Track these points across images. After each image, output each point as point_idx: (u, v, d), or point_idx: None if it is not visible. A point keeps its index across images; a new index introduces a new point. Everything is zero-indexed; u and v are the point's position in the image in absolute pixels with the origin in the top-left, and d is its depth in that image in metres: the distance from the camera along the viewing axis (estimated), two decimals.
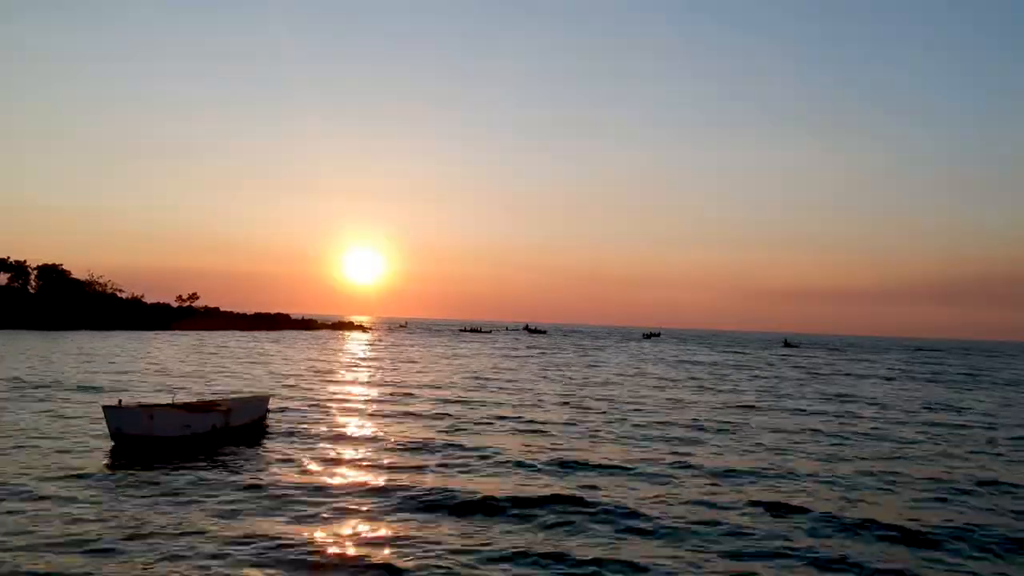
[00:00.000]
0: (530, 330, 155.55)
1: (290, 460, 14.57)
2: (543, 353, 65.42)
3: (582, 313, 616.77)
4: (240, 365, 38.78)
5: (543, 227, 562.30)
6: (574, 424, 20.60)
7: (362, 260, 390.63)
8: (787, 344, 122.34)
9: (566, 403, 25.88)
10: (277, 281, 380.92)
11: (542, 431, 19.13)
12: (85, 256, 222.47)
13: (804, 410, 26.48)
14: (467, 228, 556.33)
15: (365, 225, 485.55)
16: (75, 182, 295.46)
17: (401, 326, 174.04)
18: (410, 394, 27.10)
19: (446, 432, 18.36)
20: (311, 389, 27.86)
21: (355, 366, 42.16)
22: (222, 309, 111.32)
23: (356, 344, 73.58)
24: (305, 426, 18.58)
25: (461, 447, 16.44)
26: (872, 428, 22.06)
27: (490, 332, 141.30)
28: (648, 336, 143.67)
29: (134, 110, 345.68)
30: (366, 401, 24.65)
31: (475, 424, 19.91)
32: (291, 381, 30.67)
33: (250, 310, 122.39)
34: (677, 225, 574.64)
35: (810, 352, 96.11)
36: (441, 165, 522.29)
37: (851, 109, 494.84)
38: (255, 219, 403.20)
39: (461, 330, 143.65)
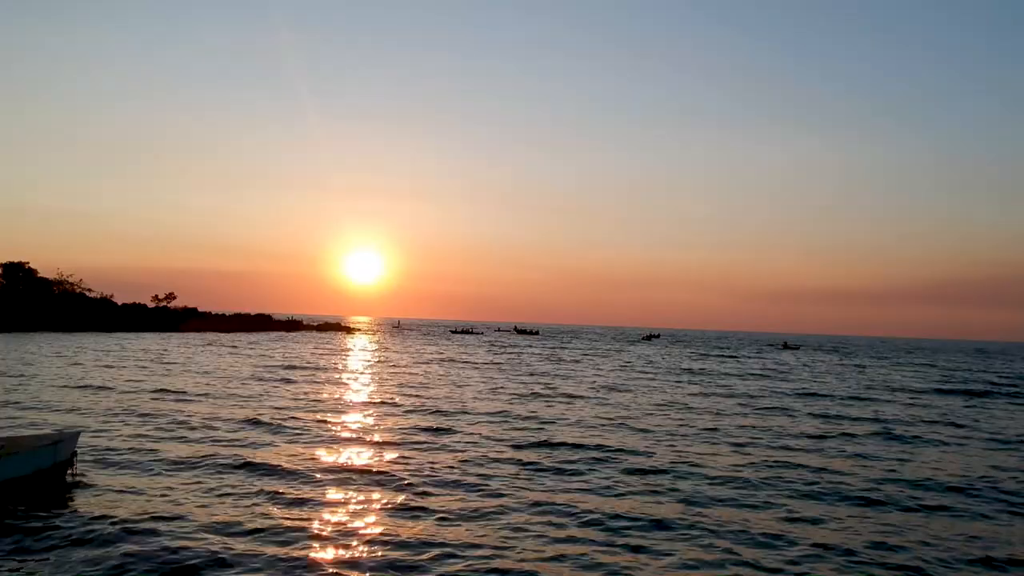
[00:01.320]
0: (519, 331, 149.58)
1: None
2: (519, 355, 59.51)
3: (582, 314, 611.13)
4: (121, 379, 32.39)
5: (543, 227, 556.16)
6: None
7: (363, 260, 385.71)
8: (787, 347, 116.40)
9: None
10: (277, 281, 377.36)
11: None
12: (87, 257, 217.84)
13: None
14: (467, 228, 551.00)
15: (366, 225, 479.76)
16: (74, 183, 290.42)
17: (394, 327, 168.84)
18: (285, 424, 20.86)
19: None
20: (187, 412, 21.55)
21: (279, 378, 35.72)
22: (200, 309, 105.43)
23: (323, 348, 67.35)
24: (126, 473, 12.44)
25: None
26: None
27: (481, 333, 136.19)
28: (647, 338, 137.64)
29: (134, 110, 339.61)
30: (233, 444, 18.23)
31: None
32: (164, 400, 24.15)
33: (248, 311, 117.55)
34: (677, 225, 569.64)
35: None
36: (441, 165, 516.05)
37: (851, 109, 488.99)
38: (255, 219, 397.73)
39: (452, 331, 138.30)
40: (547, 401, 27.61)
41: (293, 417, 20.86)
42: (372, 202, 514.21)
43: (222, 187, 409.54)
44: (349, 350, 63.69)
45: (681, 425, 21.78)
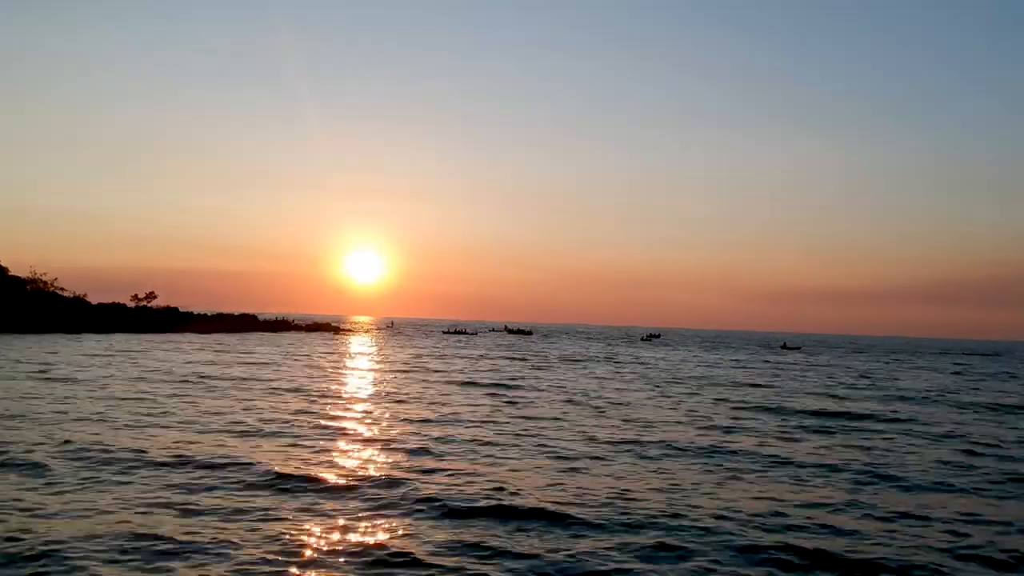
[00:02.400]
0: (510, 331, 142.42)
1: None
2: (498, 359, 53.75)
3: (582, 314, 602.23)
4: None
5: (543, 227, 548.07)
6: None
7: (364, 260, 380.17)
8: (785, 347, 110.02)
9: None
10: (277, 281, 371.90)
11: None
12: (87, 257, 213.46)
13: None
14: (467, 228, 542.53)
15: (366, 225, 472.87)
16: (74, 183, 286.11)
17: (388, 326, 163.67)
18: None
19: None
20: None
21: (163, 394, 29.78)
22: (181, 309, 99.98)
23: (279, 349, 61.60)
24: None
25: None
26: None
27: (475, 333, 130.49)
28: (648, 338, 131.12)
29: (134, 110, 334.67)
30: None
31: None
32: None
33: (232, 311, 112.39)
34: (677, 225, 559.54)
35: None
36: (441, 165, 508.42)
37: (851, 109, 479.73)
38: (255, 219, 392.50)
39: (444, 331, 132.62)
40: (491, 431, 21.61)
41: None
42: (372, 202, 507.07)
43: (222, 187, 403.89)
44: (304, 354, 57.94)
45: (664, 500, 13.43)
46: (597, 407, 25.71)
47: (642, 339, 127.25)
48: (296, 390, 28.34)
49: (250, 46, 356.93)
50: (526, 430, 19.77)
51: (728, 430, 21.07)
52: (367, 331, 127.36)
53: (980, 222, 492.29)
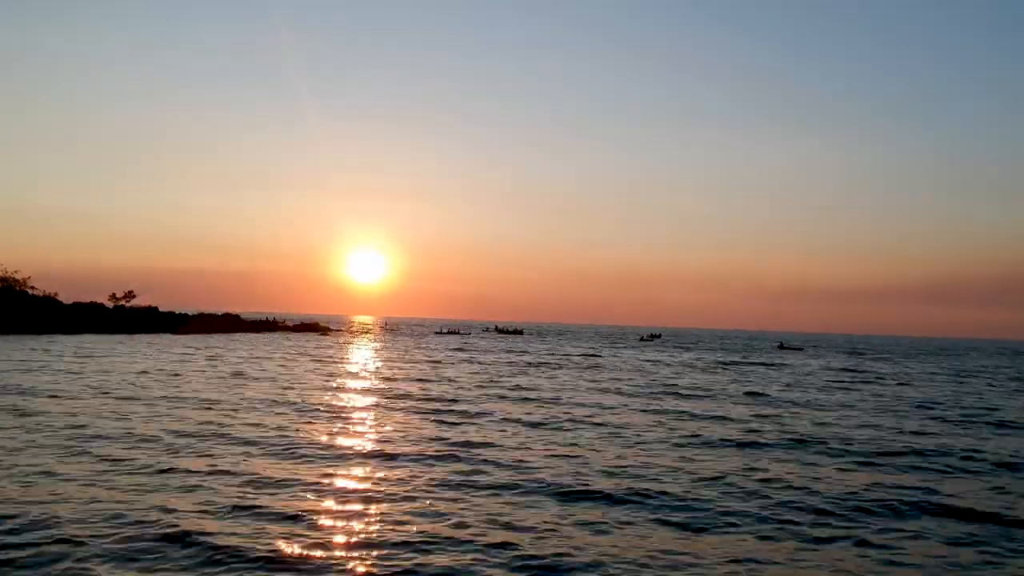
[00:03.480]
0: (500, 331, 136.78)
1: None
2: (480, 363, 48.46)
3: (583, 313, 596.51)
4: None
5: (543, 227, 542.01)
6: None
7: (365, 260, 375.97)
8: (783, 347, 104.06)
9: None
10: (278, 281, 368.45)
11: None
12: (87, 257, 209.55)
13: None
14: (467, 228, 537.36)
15: (367, 225, 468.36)
16: (74, 183, 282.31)
17: (383, 326, 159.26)
18: None
19: None
20: None
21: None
22: (162, 309, 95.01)
23: (213, 357, 56.31)
24: None
25: None
26: None
27: (469, 333, 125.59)
28: (647, 338, 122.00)
29: (134, 110, 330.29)
30: None
31: None
32: None
33: (213, 310, 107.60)
34: (677, 225, 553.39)
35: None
36: (441, 165, 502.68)
37: (851, 109, 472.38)
38: (255, 219, 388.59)
39: (437, 332, 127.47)
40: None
41: None
42: (372, 202, 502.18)
43: (222, 187, 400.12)
44: (238, 358, 52.60)
45: None
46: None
47: (641, 339, 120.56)
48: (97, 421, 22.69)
49: (250, 46, 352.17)
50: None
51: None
52: (358, 331, 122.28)
53: (980, 222, 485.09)
